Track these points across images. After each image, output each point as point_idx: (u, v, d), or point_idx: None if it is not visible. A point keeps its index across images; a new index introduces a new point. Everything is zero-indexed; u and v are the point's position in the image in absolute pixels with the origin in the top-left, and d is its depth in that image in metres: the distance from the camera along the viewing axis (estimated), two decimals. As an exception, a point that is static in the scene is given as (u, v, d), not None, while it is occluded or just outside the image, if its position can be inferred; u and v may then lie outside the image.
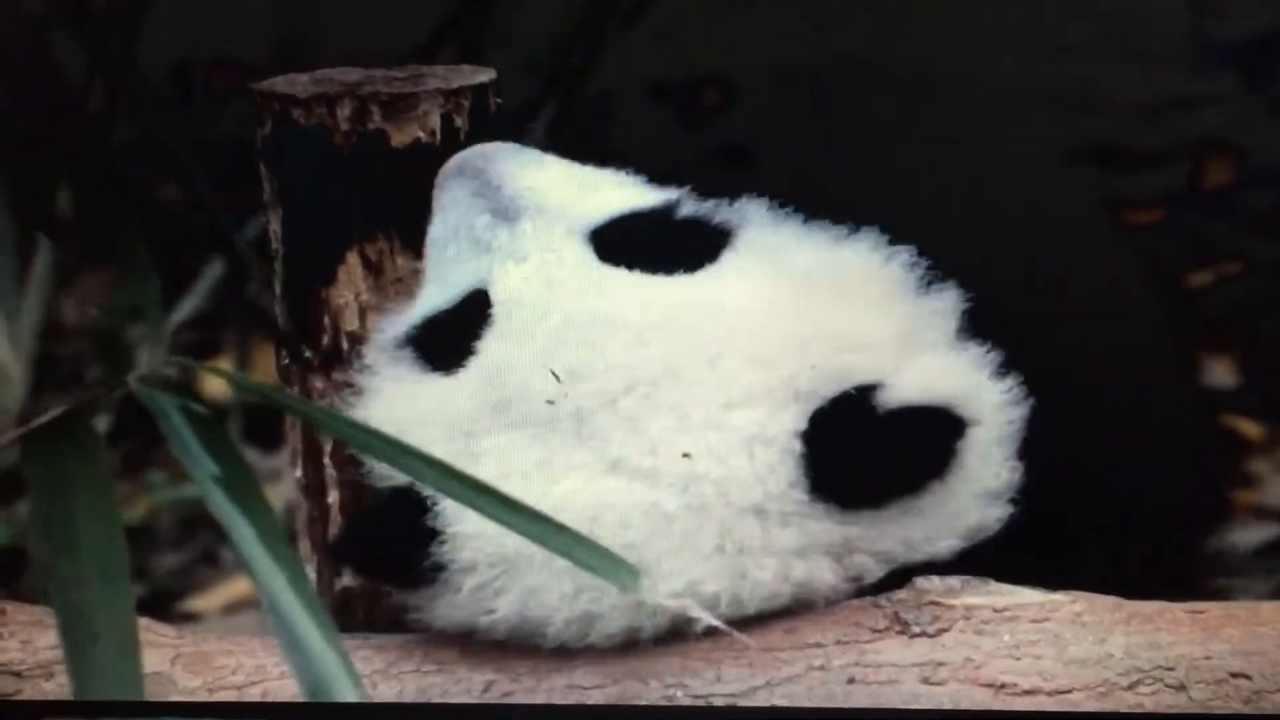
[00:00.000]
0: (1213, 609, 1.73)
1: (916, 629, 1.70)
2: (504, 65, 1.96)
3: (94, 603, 1.50)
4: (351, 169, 1.87)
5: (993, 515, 1.74)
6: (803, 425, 1.69)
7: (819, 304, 1.74)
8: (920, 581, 1.72)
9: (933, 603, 1.71)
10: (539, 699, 1.71)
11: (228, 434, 1.61)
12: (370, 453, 1.72)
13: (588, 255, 1.78)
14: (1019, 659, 1.69)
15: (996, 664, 1.69)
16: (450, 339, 1.78)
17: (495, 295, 1.78)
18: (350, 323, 1.90)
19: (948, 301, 1.77)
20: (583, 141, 1.97)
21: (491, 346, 1.76)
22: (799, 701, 1.69)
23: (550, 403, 1.71)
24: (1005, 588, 1.72)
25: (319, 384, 1.92)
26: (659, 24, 2.23)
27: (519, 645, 1.71)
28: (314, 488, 1.94)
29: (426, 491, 1.69)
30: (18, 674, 1.78)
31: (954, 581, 1.72)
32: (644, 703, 1.70)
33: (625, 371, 1.71)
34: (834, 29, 2.28)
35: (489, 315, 1.77)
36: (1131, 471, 1.91)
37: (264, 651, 1.77)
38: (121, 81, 1.92)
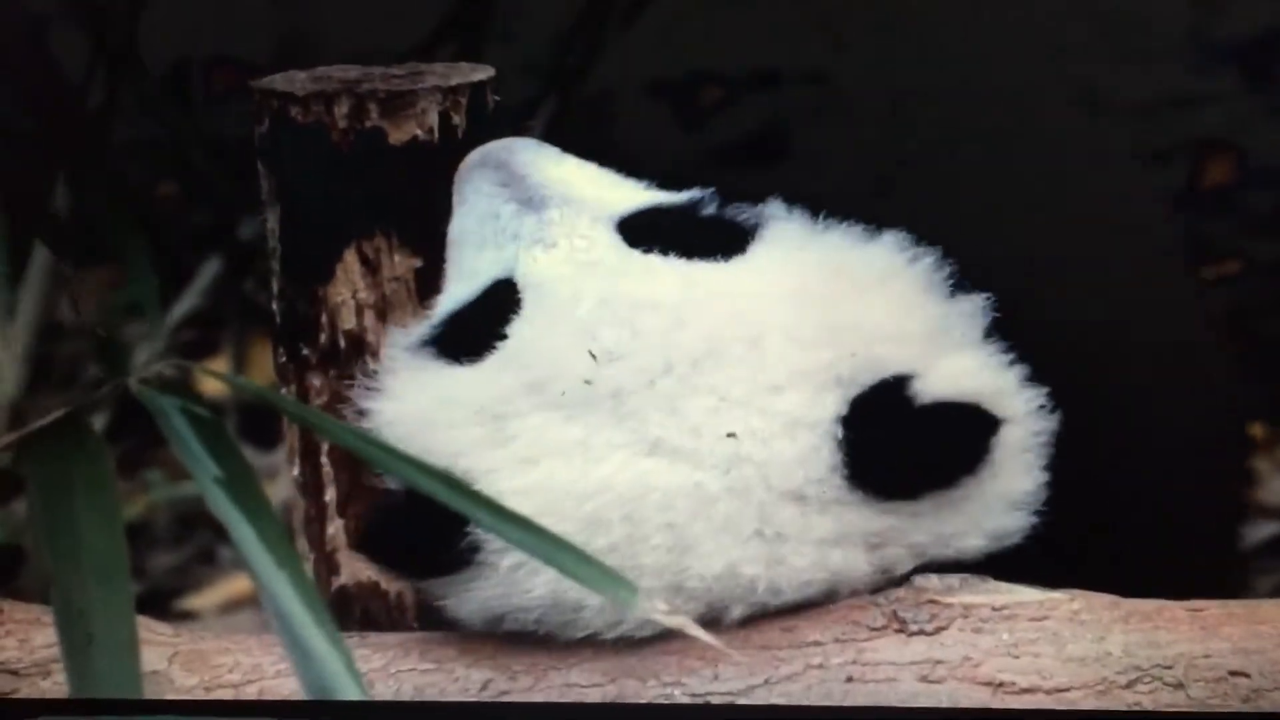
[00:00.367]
0: (1211, 607, 1.72)
1: (915, 627, 1.70)
2: (503, 63, 1.96)
3: (92, 602, 1.50)
4: (349, 167, 1.87)
5: (1018, 522, 1.75)
6: (844, 410, 1.70)
7: (850, 296, 1.75)
8: (918, 579, 1.72)
9: (931, 601, 1.71)
10: (536, 698, 1.71)
11: (228, 434, 1.60)
12: (364, 457, 1.72)
13: (618, 241, 1.79)
14: (1017, 657, 1.68)
15: (995, 662, 1.68)
16: (475, 330, 1.77)
17: (523, 281, 1.78)
18: (348, 321, 1.90)
19: (974, 306, 1.78)
20: (581, 140, 1.97)
21: (522, 329, 1.75)
22: (797, 700, 1.68)
23: (588, 383, 1.71)
24: (1003, 586, 1.72)
25: (316, 382, 1.92)
26: (658, 23, 2.23)
27: (549, 636, 1.71)
28: (311, 486, 1.94)
29: (458, 472, 1.67)
30: (15, 672, 1.78)
31: (952, 579, 1.72)
32: (642, 701, 1.69)
33: (664, 352, 1.71)
34: (833, 29, 2.28)
35: (515, 303, 1.77)
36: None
37: (261, 650, 1.77)
38: (125, 76, 1.92)
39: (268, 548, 1.51)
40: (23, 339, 2.54)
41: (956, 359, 1.74)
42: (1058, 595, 1.72)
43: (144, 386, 1.63)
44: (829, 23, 2.27)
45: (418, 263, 1.88)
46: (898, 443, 1.69)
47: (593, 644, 1.71)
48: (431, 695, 1.73)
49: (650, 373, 1.70)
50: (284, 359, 1.94)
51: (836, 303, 1.74)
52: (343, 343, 1.90)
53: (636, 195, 1.84)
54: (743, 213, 1.83)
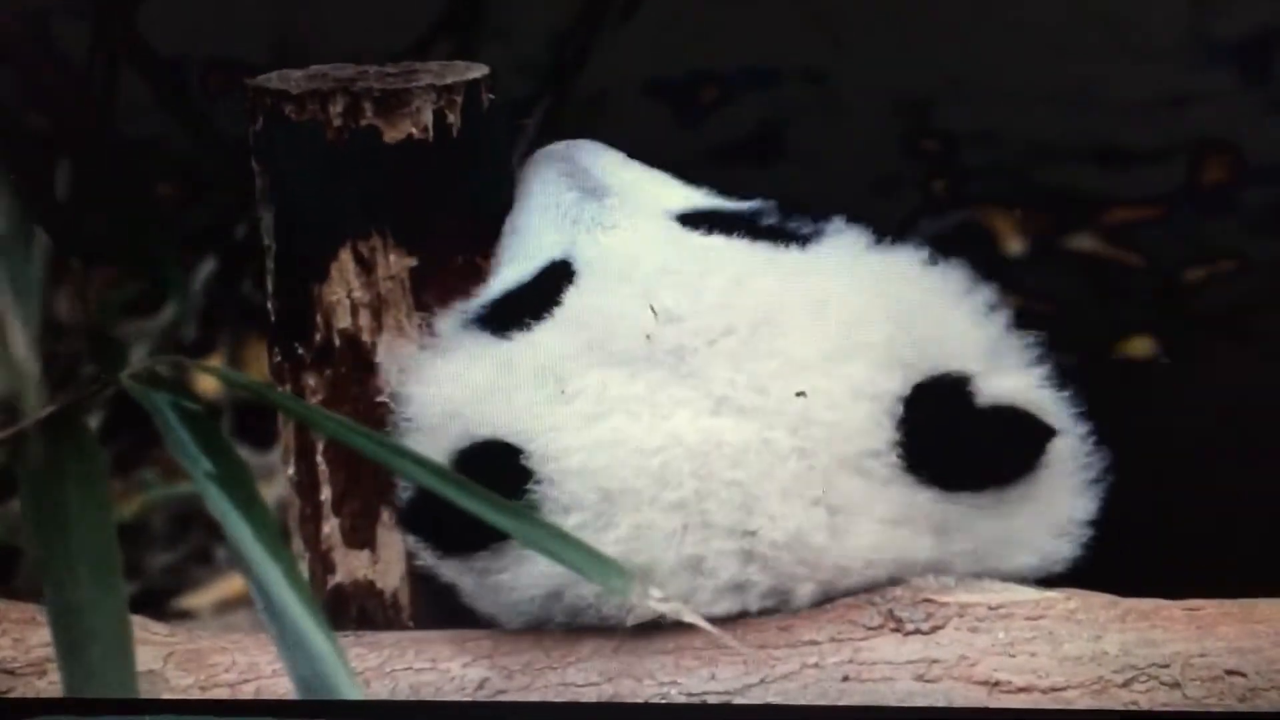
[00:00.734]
0: (1208, 606, 1.72)
1: (911, 626, 1.70)
2: (498, 61, 1.96)
3: (87, 601, 1.50)
4: (344, 165, 1.87)
5: (1068, 548, 1.78)
6: (906, 391, 1.72)
7: (912, 298, 1.78)
8: (915, 578, 1.72)
9: (927, 599, 1.71)
10: (533, 697, 1.70)
11: (222, 432, 1.61)
12: (362, 452, 1.72)
13: (678, 227, 1.83)
14: (1013, 656, 1.68)
15: (991, 661, 1.68)
16: (529, 304, 1.80)
17: (581, 259, 1.81)
18: (342, 319, 1.90)
19: (1028, 339, 1.81)
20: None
21: (579, 295, 1.79)
22: (793, 699, 1.68)
23: (648, 338, 1.73)
24: (999, 585, 1.72)
25: (311, 381, 1.91)
26: (654, 21, 2.23)
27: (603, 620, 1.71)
28: (306, 485, 1.94)
29: (515, 437, 1.70)
30: (10, 672, 1.78)
31: (948, 578, 1.72)
32: (638, 701, 1.69)
33: (724, 314, 1.74)
34: (832, 28, 2.28)
35: (570, 278, 1.80)
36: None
37: (257, 649, 1.77)
38: (139, 69, 1.92)
39: (262, 545, 1.51)
40: (23, 336, 2.53)
41: (1014, 375, 1.78)
42: (1054, 594, 1.72)
43: (135, 382, 1.62)
44: (827, 22, 2.26)
45: (413, 262, 1.88)
46: (955, 433, 1.73)
47: (590, 643, 1.71)
48: (427, 694, 1.73)
49: (710, 333, 1.74)
50: (279, 358, 1.94)
51: (900, 300, 1.77)
52: (337, 342, 1.90)
53: (697, 199, 1.88)
54: (805, 225, 1.85)
